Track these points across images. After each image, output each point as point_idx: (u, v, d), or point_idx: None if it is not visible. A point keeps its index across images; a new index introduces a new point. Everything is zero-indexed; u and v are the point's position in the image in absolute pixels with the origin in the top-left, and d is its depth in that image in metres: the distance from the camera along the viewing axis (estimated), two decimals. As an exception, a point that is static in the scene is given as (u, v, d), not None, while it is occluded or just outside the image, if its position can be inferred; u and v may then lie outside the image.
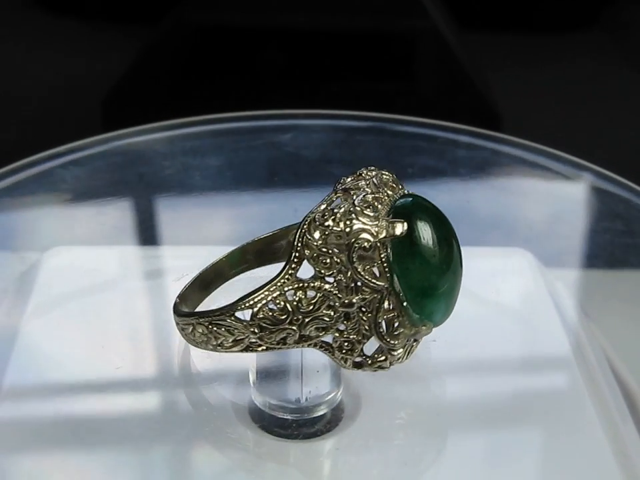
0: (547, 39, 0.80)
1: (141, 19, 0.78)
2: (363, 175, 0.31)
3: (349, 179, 0.31)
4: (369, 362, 0.31)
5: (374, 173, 0.32)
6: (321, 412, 0.32)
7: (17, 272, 0.41)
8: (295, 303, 0.29)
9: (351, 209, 0.30)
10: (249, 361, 0.33)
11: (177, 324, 0.32)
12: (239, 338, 0.30)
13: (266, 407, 0.32)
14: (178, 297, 0.34)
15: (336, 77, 0.74)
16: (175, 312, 0.33)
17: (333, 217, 0.29)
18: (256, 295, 0.29)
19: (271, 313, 0.29)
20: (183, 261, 0.41)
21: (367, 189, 0.30)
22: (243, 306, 0.29)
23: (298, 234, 0.29)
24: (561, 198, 0.48)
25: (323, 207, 0.30)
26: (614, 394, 0.35)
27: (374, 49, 0.74)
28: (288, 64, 0.75)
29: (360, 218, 0.29)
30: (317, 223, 0.29)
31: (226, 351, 0.30)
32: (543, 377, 0.36)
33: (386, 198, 0.31)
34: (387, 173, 0.32)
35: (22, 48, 0.78)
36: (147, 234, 0.45)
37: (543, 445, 0.33)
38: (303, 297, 0.29)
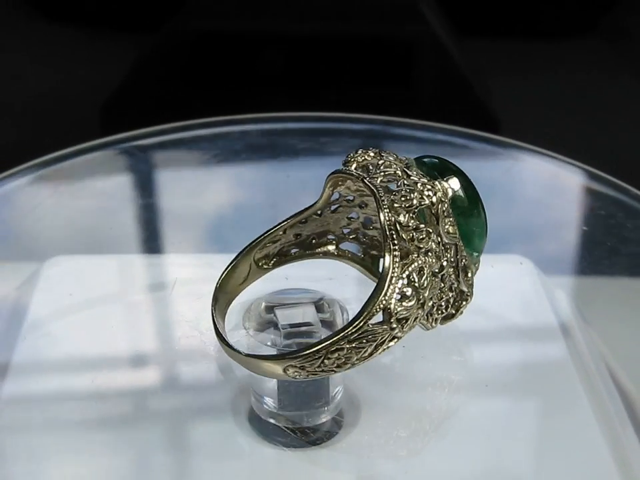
0: (545, 45, 0.80)
1: (140, 27, 0.78)
2: (369, 156, 0.33)
3: (359, 164, 0.33)
4: (454, 312, 0.33)
5: (372, 151, 0.33)
6: (322, 420, 0.32)
7: (14, 283, 0.40)
8: (414, 285, 0.30)
9: (417, 182, 0.31)
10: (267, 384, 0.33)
11: (289, 367, 0.30)
12: (380, 341, 0.30)
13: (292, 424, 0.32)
14: (228, 342, 0.32)
15: (334, 83, 0.74)
16: (282, 358, 0.30)
17: (413, 195, 0.31)
18: (380, 294, 0.30)
19: (400, 303, 0.30)
20: (186, 270, 0.41)
21: (395, 164, 0.32)
22: (376, 310, 0.29)
23: (387, 225, 0.30)
24: (560, 204, 0.48)
25: (382, 193, 0.31)
26: (613, 400, 0.35)
27: (372, 55, 0.74)
28: (286, 70, 0.75)
29: (428, 187, 0.31)
30: (398, 205, 0.30)
31: (365, 362, 0.30)
32: (542, 384, 0.35)
33: (412, 165, 0.33)
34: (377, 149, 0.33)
35: (22, 55, 0.78)
36: (149, 240, 0.45)
37: (542, 452, 0.33)
38: (417, 275, 0.30)
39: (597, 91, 0.78)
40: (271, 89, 0.74)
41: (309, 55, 0.74)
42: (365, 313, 0.29)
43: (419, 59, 0.73)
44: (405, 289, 0.30)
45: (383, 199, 0.31)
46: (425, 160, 0.33)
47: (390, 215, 0.30)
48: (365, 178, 0.32)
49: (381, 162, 0.32)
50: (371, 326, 0.29)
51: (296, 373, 0.30)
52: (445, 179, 0.32)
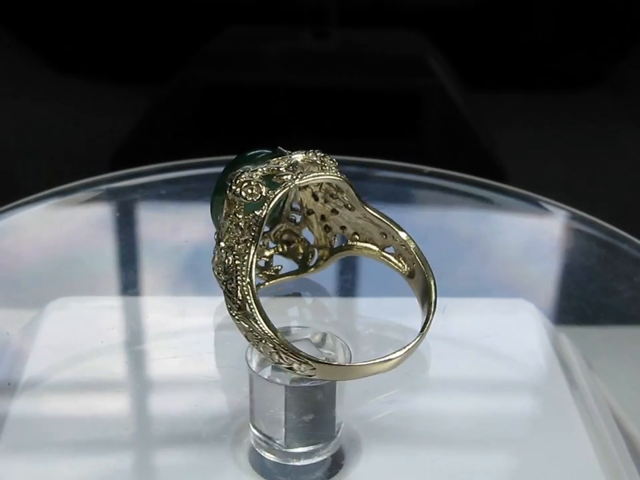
0: (552, 97, 0.81)
1: (148, 79, 0.79)
2: (250, 175, 0.35)
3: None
4: None
5: (245, 172, 0.35)
6: (322, 457, 0.32)
7: (15, 328, 0.39)
8: None
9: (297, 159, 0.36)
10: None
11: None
12: None
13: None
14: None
15: (341, 134, 0.75)
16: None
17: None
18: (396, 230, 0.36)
19: None
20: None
21: (263, 167, 0.35)
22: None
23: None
24: (564, 251, 0.48)
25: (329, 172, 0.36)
26: (619, 447, 0.35)
27: (379, 106, 0.75)
28: (295, 121, 0.75)
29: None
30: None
31: None
32: (547, 431, 0.35)
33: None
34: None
35: (31, 106, 0.79)
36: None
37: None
38: None
39: (603, 143, 0.79)
40: (280, 140, 0.74)
41: (318, 106, 0.75)
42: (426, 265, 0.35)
43: (425, 111, 0.74)
44: None
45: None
46: (249, 155, 0.37)
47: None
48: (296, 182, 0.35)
49: (267, 168, 0.35)
50: None
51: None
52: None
